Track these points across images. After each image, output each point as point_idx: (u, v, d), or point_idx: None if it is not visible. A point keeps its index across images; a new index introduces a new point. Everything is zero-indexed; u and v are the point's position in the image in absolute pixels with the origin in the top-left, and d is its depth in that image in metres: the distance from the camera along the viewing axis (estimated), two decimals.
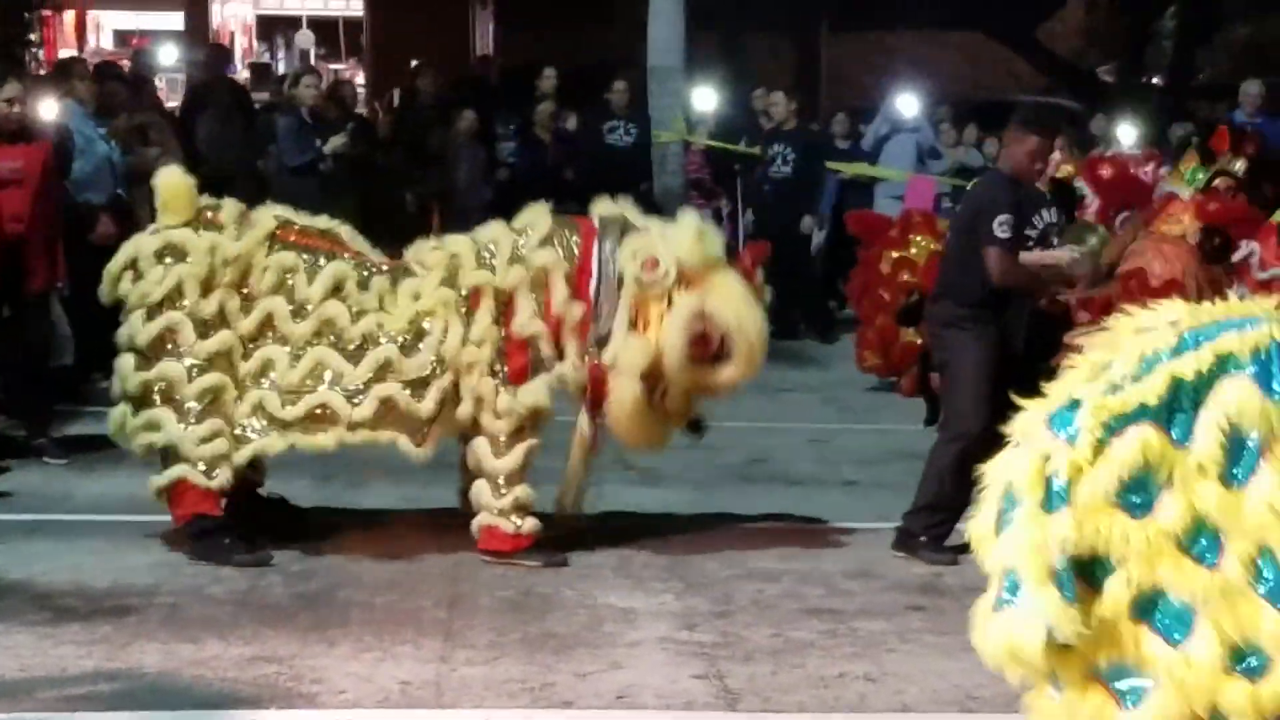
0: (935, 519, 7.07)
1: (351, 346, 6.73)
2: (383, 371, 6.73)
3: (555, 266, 6.83)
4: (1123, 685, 3.61)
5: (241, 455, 6.71)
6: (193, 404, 6.67)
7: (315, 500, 7.61)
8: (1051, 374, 6.00)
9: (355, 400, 6.73)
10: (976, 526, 3.72)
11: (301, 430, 6.72)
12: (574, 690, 5.41)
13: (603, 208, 7.04)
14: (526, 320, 6.77)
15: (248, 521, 6.85)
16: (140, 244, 6.85)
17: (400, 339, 6.76)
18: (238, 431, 6.70)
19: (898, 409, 10.30)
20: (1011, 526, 3.59)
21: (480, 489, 6.84)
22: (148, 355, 6.73)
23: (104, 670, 5.46)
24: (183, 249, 6.75)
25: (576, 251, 6.87)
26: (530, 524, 6.83)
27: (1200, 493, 3.51)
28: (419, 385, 6.76)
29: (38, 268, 8.24)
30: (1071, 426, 3.58)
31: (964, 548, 6.96)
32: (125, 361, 6.77)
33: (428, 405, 6.75)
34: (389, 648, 5.75)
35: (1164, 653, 3.54)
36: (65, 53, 25.53)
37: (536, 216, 7.01)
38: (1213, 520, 3.51)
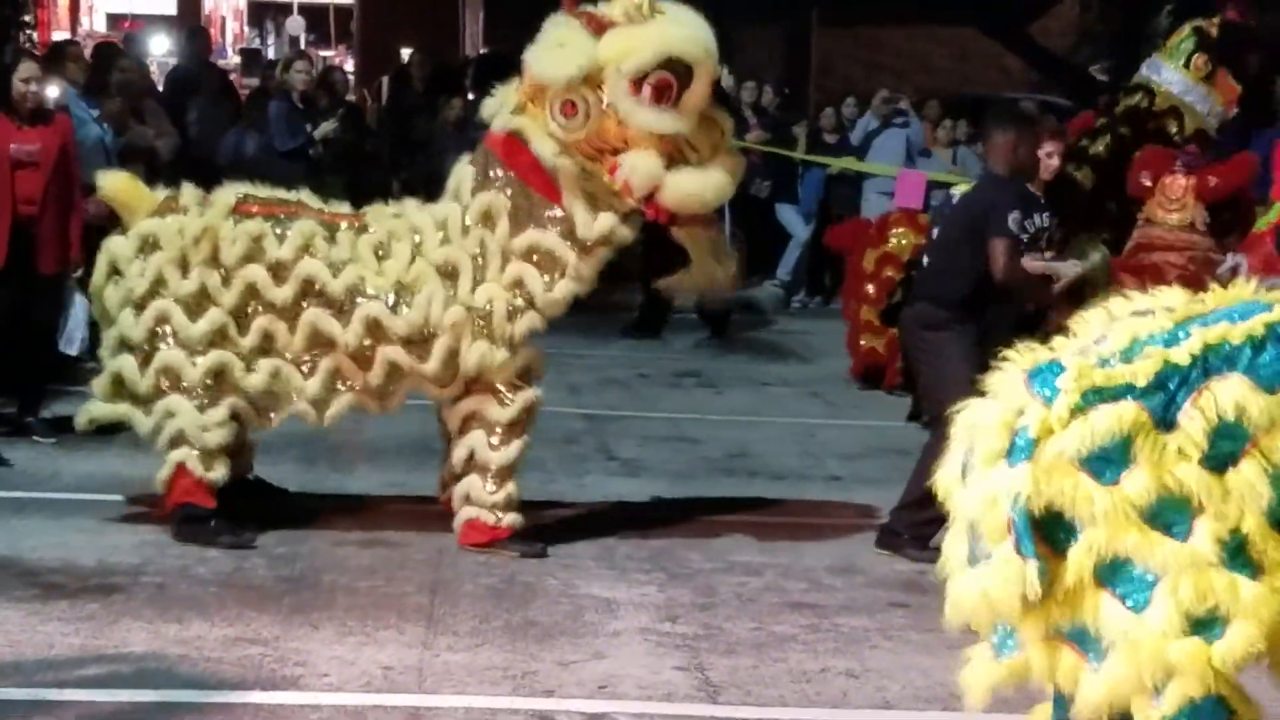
0: (921, 517, 7.09)
1: (337, 303, 6.72)
2: (376, 331, 6.72)
3: (498, 207, 6.75)
4: (1083, 646, 3.68)
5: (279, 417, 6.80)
6: (199, 388, 6.68)
7: (299, 484, 7.64)
8: None
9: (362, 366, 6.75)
10: (943, 476, 3.78)
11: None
12: (556, 679, 5.45)
13: (486, 110, 6.94)
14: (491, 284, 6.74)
15: (234, 505, 6.86)
16: (113, 248, 6.86)
17: (387, 297, 6.73)
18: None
19: (883, 405, 10.35)
20: (971, 476, 3.66)
21: (471, 484, 6.83)
22: (145, 349, 6.74)
23: (90, 648, 5.50)
24: (154, 239, 6.76)
25: (510, 176, 6.76)
26: (511, 518, 6.85)
27: (1178, 473, 3.56)
28: (418, 345, 6.75)
29: (49, 250, 8.22)
30: (1050, 387, 3.62)
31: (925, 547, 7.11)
32: (126, 363, 6.77)
33: (432, 365, 6.73)
34: (372, 632, 5.79)
35: (1123, 616, 3.60)
36: (59, 35, 25.52)
37: (460, 171, 6.92)
38: (1186, 496, 3.57)
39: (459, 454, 6.89)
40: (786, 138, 15.14)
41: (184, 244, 6.72)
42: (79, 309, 8.34)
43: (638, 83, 6.52)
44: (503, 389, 6.79)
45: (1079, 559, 3.62)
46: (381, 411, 6.96)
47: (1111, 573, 3.63)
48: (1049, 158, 7.73)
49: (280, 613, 5.94)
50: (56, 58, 10.28)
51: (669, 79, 6.54)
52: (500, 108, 6.86)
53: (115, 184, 6.99)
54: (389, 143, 13.44)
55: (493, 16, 25.46)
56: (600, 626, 6.00)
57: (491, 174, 6.81)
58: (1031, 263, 7.13)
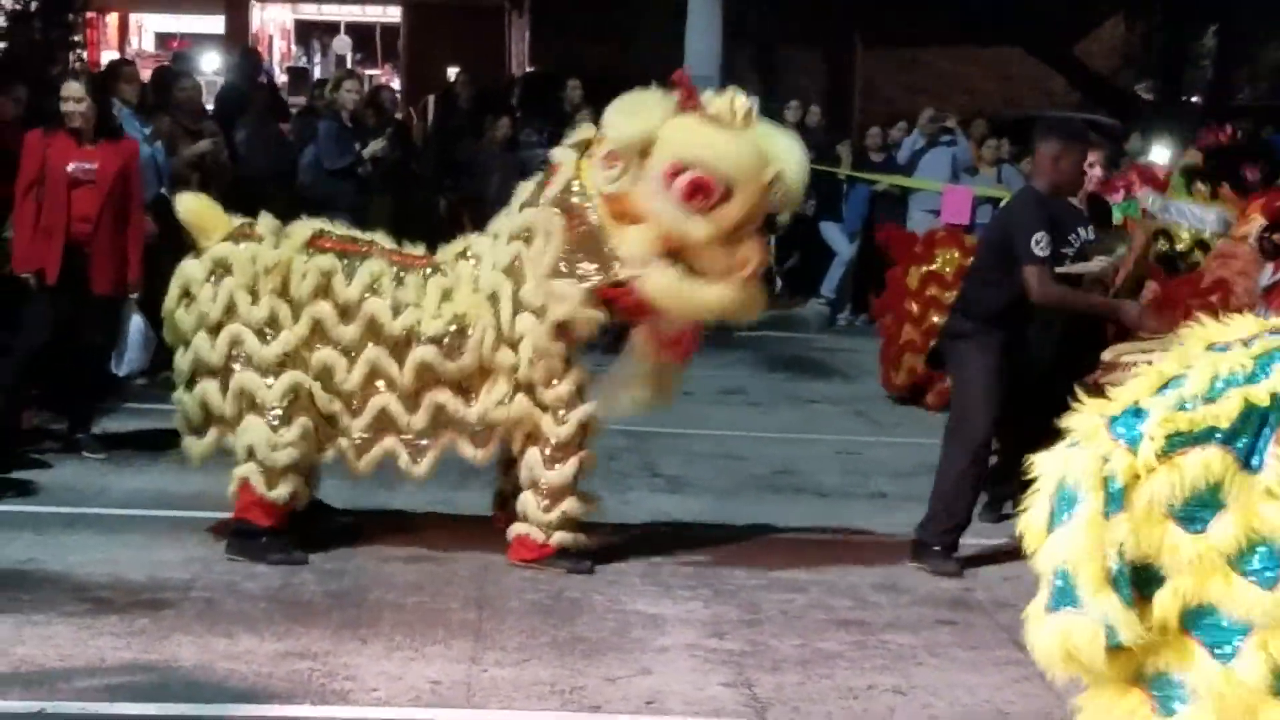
0: (943, 526, 7.12)
1: (394, 343, 6.76)
2: (426, 374, 6.77)
3: (538, 223, 6.74)
4: (1162, 692, 3.64)
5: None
6: (276, 409, 6.71)
7: (345, 501, 7.66)
8: (1089, 391, 6.01)
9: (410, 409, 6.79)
10: (1028, 522, 3.72)
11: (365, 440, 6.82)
12: (602, 694, 5.46)
13: (573, 136, 6.96)
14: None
15: (294, 527, 6.89)
16: (186, 271, 6.88)
17: (441, 339, 6.77)
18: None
19: (926, 423, 10.32)
20: (1068, 526, 3.58)
21: (526, 501, 6.84)
22: (223, 373, 6.77)
23: (141, 662, 5.54)
24: (227, 263, 6.79)
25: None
26: (559, 536, 6.86)
27: (1265, 515, 3.50)
28: (464, 390, 6.80)
29: (102, 271, 8.24)
30: (1134, 432, 3.57)
31: (971, 561, 7.10)
32: (210, 388, 6.78)
33: (475, 410, 6.78)
34: (420, 647, 5.81)
35: (1209, 667, 3.56)
36: (108, 54, 25.76)
37: (521, 188, 6.95)
38: (1275, 539, 3.52)
39: (523, 475, 6.90)
40: (831, 156, 15.15)
41: (255, 272, 6.76)
42: (134, 329, 8.35)
43: (676, 173, 6.53)
44: (558, 407, 6.82)
45: (1165, 605, 3.57)
46: (412, 463, 6.89)
47: (1197, 620, 3.59)
48: (1090, 168, 7.73)
49: (329, 628, 5.98)
50: (110, 78, 10.37)
51: (708, 182, 6.51)
52: (570, 150, 6.91)
53: (192, 206, 6.99)
54: (435, 162, 13.52)
55: (538, 36, 25.57)
56: (647, 642, 6.02)
57: (545, 194, 6.84)
58: (1064, 267, 7.14)
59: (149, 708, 5.16)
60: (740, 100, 6.64)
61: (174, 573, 6.57)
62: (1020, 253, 6.97)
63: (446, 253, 7.02)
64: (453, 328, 6.75)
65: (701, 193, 6.52)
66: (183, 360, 6.90)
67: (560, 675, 5.60)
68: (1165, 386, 3.63)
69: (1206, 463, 3.51)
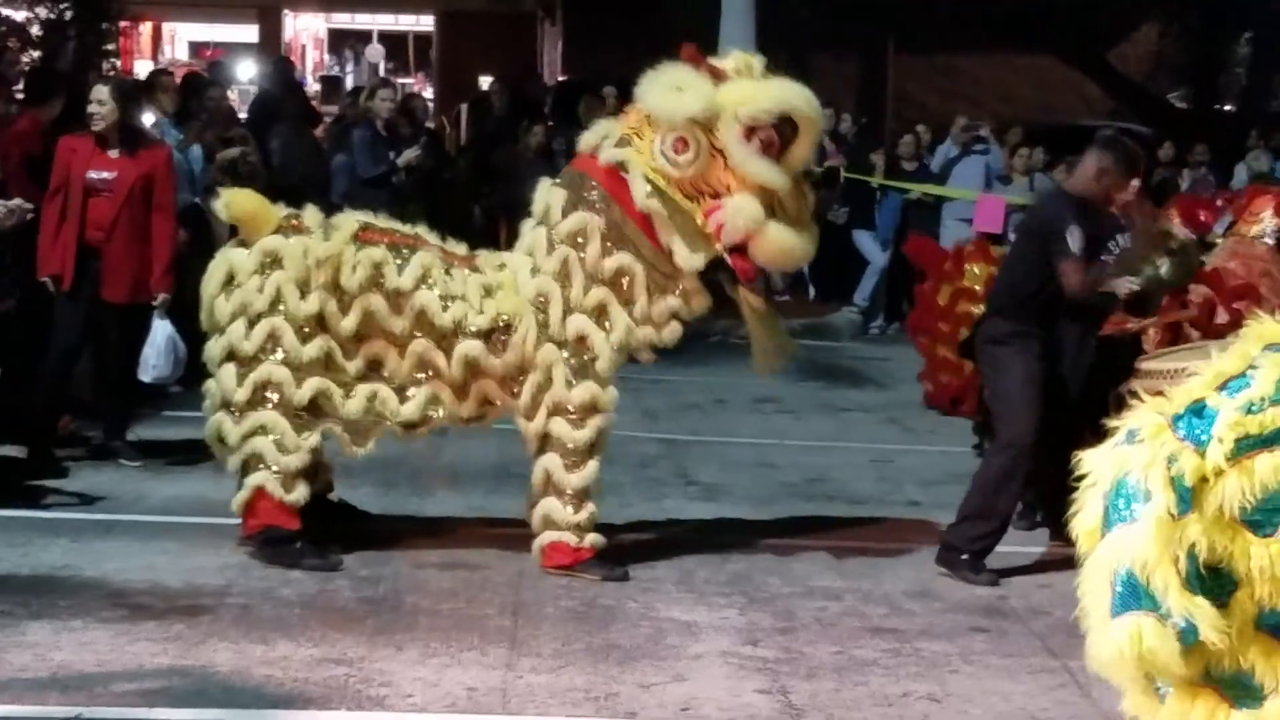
0: (979, 531, 7.09)
1: (443, 336, 6.78)
2: (474, 368, 6.80)
3: (592, 228, 6.83)
4: (1238, 691, 3.60)
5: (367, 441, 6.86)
6: (299, 409, 6.73)
7: (379, 507, 7.71)
8: (1120, 401, 5.99)
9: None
10: (1081, 521, 3.68)
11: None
12: (638, 701, 5.47)
13: (586, 139, 7.04)
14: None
15: (317, 527, 6.93)
16: (233, 259, 6.88)
17: (489, 334, 6.80)
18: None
19: (960, 431, 10.29)
20: (1135, 525, 3.52)
21: (550, 506, 6.86)
22: (251, 361, 6.76)
23: (178, 667, 5.56)
24: (277, 256, 6.79)
25: (607, 198, 6.84)
26: (593, 538, 6.88)
27: None
28: (508, 381, 6.86)
29: (116, 278, 8.27)
30: (1201, 433, 3.53)
31: (1005, 568, 7.09)
32: (228, 372, 6.79)
33: (524, 401, 6.85)
34: (455, 654, 5.83)
35: None
36: (141, 63, 25.88)
37: (549, 195, 6.98)
38: None
39: (536, 476, 6.93)
40: (864, 164, 15.14)
41: (307, 264, 6.77)
42: (162, 337, 8.36)
43: (749, 132, 6.69)
44: (576, 411, 6.84)
45: (1242, 607, 3.56)
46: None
47: (1273, 620, 3.58)
48: (1120, 192, 7.70)
49: (364, 634, 6.00)
50: (148, 88, 10.43)
51: (775, 136, 6.74)
52: (603, 139, 6.95)
53: (238, 200, 6.97)
54: (469, 170, 13.55)
55: (571, 44, 25.63)
56: (681, 649, 6.02)
57: (586, 195, 6.88)
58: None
59: (186, 713, 5.19)
60: (751, 57, 6.90)
61: (211, 579, 6.60)
62: (1056, 248, 6.95)
63: (488, 260, 7.07)
64: (501, 322, 6.81)
65: (772, 146, 6.74)
66: (215, 347, 6.87)
67: (595, 682, 5.61)
68: (1225, 385, 3.60)
69: (1277, 466, 3.48)
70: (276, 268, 6.79)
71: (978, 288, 10.46)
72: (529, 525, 6.98)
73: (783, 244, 6.82)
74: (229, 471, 6.93)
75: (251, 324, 6.77)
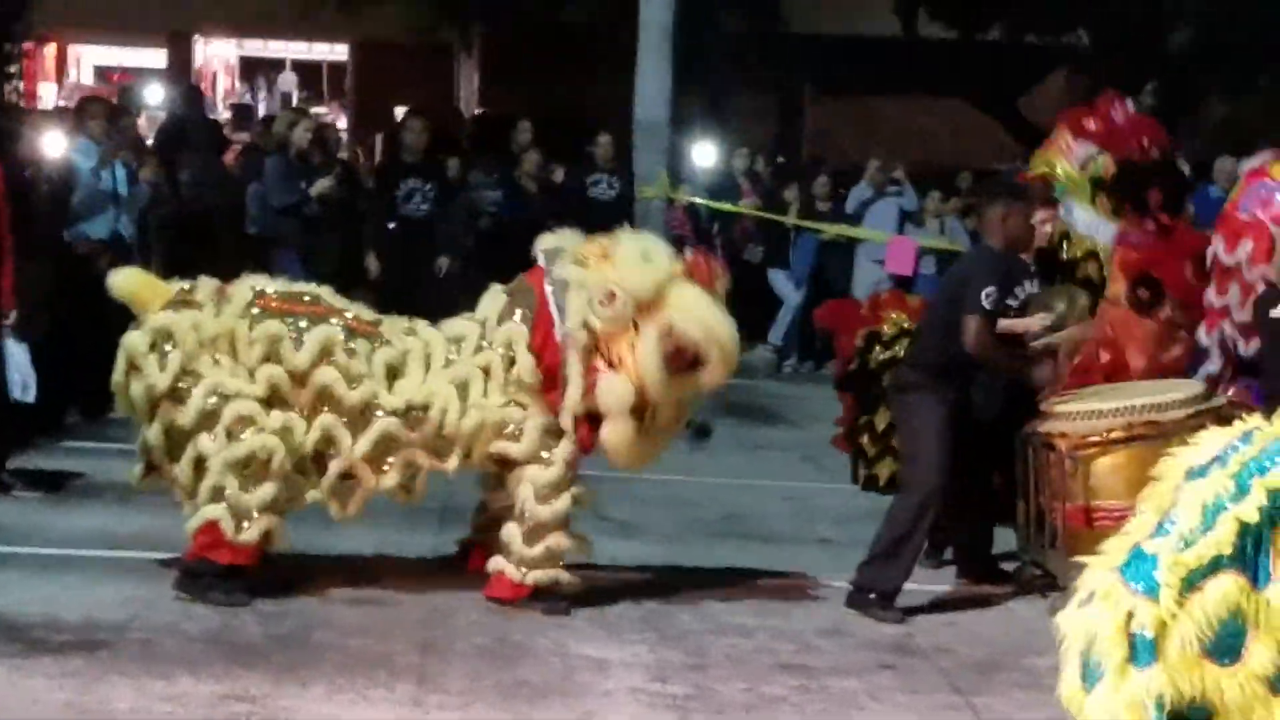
0: (888, 571, 7.11)
1: (351, 415, 6.68)
2: (392, 442, 6.73)
3: (518, 338, 6.85)
4: None
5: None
6: (242, 467, 6.58)
7: (289, 544, 7.56)
8: (1025, 441, 5.98)
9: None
10: (1065, 685, 3.72)
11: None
12: None
13: (546, 244, 7.04)
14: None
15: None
16: (130, 344, 6.69)
17: (402, 415, 6.73)
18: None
19: None
20: (1102, 684, 3.57)
21: (511, 533, 6.80)
22: (198, 431, 6.60)
23: (75, 704, 5.43)
24: (169, 332, 6.63)
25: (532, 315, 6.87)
26: (536, 575, 6.80)
27: None
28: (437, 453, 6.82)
29: None
30: (1149, 581, 3.55)
31: (912, 607, 7.09)
32: (205, 444, 6.58)
33: (452, 464, 6.83)
34: (362, 690, 5.73)
35: None
36: (46, 86, 25.49)
37: (492, 300, 7.01)
38: None
39: (497, 500, 6.93)
40: (779, 204, 15.21)
41: (200, 340, 6.62)
42: (18, 355, 8.15)
43: (667, 335, 6.79)
44: (542, 452, 6.83)
45: None
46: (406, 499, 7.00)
47: None
48: (1041, 225, 7.76)
49: (269, 670, 5.88)
50: (79, 114, 10.34)
51: (688, 354, 6.85)
52: (559, 253, 6.94)
53: (123, 282, 6.81)
54: (383, 201, 13.44)
55: (487, 76, 25.60)
56: (592, 686, 5.96)
57: (522, 312, 6.88)
58: (1003, 322, 7.18)
59: None
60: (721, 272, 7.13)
61: (111, 613, 6.45)
62: (967, 303, 7.03)
63: (391, 325, 6.96)
64: (416, 402, 6.74)
65: (681, 358, 6.83)
66: (152, 435, 6.68)
67: (504, 719, 5.53)
68: (1161, 524, 3.63)
69: (1224, 592, 3.51)
70: (170, 345, 6.62)
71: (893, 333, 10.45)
72: (440, 561, 6.91)
73: (625, 442, 6.88)
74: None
75: (178, 403, 6.58)
